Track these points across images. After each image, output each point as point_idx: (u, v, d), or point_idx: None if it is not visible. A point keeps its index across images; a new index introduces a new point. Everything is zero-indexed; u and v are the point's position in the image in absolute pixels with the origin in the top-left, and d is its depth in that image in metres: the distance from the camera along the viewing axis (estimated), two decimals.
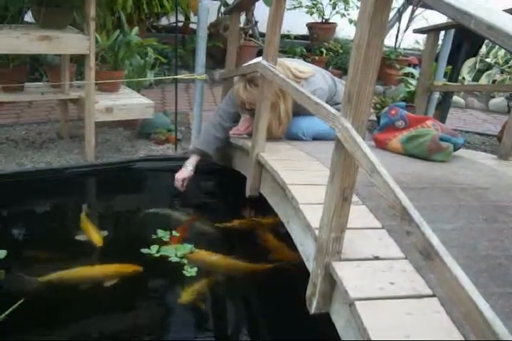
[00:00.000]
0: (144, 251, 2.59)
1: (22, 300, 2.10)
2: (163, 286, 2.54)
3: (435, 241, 1.04)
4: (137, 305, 2.38)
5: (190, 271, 2.49)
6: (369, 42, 1.37)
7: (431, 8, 1.13)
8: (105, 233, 2.77)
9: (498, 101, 5.96)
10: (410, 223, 1.12)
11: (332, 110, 1.58)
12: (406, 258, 1.67)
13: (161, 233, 2.76)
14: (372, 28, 1.35)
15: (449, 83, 4.13)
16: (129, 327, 2.21)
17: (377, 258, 1.67)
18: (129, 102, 3.66)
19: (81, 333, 2.14)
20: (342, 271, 1.57)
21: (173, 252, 2.60)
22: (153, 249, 2.61)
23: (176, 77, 3.53)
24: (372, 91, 1.45)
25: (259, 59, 2.73)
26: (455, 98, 5.70)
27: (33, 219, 2.98)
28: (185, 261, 2.56)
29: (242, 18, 6.03)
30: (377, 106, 4.64)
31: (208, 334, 2.29)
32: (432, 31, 3.84)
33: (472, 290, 0.92)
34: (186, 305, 2.32)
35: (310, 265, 1.82)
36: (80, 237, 2.71)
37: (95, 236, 2.69)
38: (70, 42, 3.15)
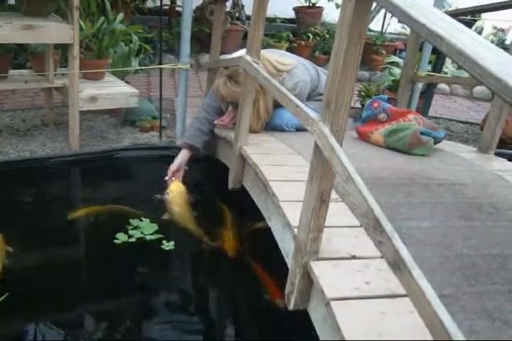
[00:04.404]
0: (118, 241, 2.64)
1: (7, 294, 2.13)
2: (148, 265, 2.64)
3: (404, 253, 1.08)
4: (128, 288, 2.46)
5: (168, 245, 2.65)
6: (347, 51, 1.39)
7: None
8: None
9: (483, 88, 6.00)
10: (382, 234, 1.15)
11: (311, 114, 1.61)
12: (382, 257, 1.71)
13: (135, 222, 2.80)
14: (350, 37, 1.37)
15: (433, 73, 4.15)
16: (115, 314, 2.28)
17: (353, 257, 1.71)
18: (114, 91, 3.65)
19: (63, 320, 2.20)
20: (319, 270, 1.61)
21: (139, 232, 2.70)
22: (122, 236, 2.66)
23: (160, 67, 3.52)
24: (351, 98, 1.47)
25: (242, 51, 2.73)
26: (440, 85, 5.74)
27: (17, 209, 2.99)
28: (159, 235, 2.69)
29: (229, 1, 5.99)
30: (362, 93, 4.66)
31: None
32: None
33: (437, 304, 0.96)
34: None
35: (289, 262, 1.86)
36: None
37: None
38: (53, 32, 3.12)
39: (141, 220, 2.81)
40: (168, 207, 2.94)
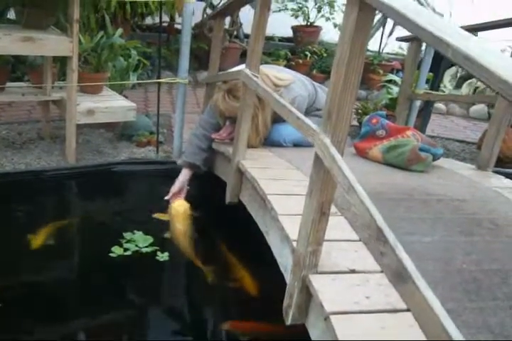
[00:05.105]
0: (113, 254, 2.62)
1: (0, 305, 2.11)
2: (143, 276, 2.64)
3: (408, 263, 1.05)
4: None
5: (162, 256, 2.66)
6: (349, 62, 1.39)
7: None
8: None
9: (479, 108, 6.03)
10: (385, 244, 1.13)
11: (312, 126, 1.59)
12: (382, 271, 1.68)
13: (128, 236, 2.78)
14: (352, 48, 1.36)
15: (431, 92, 4.17)
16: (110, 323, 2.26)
17: (353, 271, 1.68)
18: (111, 105, 3.63)
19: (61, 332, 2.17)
20: (318, 284, 1.58)
21: (134, 245, 2.70)
22: (118, 250, 2.65)
23: (158, 81, 3.52)
24: (352, 109, 1.46)
25: (242, 67, 2.73)
26: (436, 104, 5.77)
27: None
28: (154, 248, 2.70)
29: (227, 19, 6.04)
30: (359, 111, 4.67)
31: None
32: (415, 40, 3.87)
33: (443, 316, 0.94)
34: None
35: (287, 276, 1.83)
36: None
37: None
38: (52, 44, 3.12)
39: (134, 233, 2.80)
40: (171, 226, 2.91)
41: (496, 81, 0.83)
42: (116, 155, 3.73)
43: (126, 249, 2.66)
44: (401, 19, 1.12)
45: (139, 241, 2.74)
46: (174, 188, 3.11)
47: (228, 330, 2.28)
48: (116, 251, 2.63)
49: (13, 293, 2.31)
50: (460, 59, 0.92)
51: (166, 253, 2.66)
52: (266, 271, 2.38)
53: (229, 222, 2.97)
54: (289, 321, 1.71)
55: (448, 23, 1.07)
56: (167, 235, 2.86)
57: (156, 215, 3.03)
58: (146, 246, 2.70)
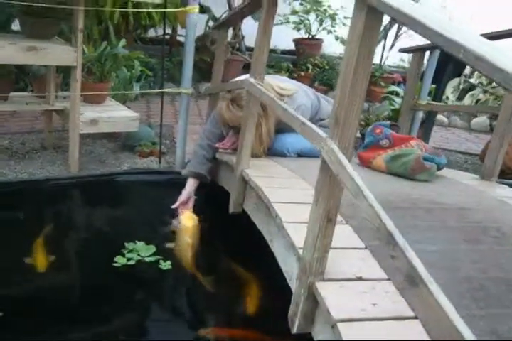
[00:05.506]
0: (117, 264, 2.61)
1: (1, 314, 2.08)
2: (148, 285, 2.64)
3: (420, 267, 1.05)
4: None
5: (165, 265, 2.65)
6: (357, 66, 1.39)
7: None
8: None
9: (481, 120, 6.04)
10: (395, 248, 1.12)
11: (319, 132, 1.59)
12: (389, 279, 1.67)
13: (130, 246, 2.77)
14: (360, 53, 1.36)
15: (433, 102, 4.17)
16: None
17: (359, 278, 1.67)
18: (114, 115, 3.64)
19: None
20: (325, 291, 1.57)
21: (136, 254, 2.69)
22: (121, 260, 2.64)
23: (162, 90, 3.53)
24: (359, 115, 1.46)
25: (246, 76, 2.73)
26: (438, 116, 5.78)
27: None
28: (157, 257, 2.69)
29: (230, 32, 6.07)
30: (362, 123, 4.67)
31: None
32: (418, 51, 3.89)
33: (457, 319, 0.93)
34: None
35: (293, 284, 1.82)
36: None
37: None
38: (56, 54, 3.13)
39: (135, 243, 2.78)
40: (179, 237, 2.89)
41: (510, 80, 0.83)
42: (118, 165, 3.73)
43: (129, 259, 2.64)
44: (410, 22, 1.12)
45: (142, 250, 2.72)
46: (182, 197, 3.10)
47: (208, 337, 2.21)
48: (120, 260, 2.61)
49: (16, 304, 2.28)
50: (472, 59, 0.92)
51: (169, 262, 2.65)
52: (269, 281, 2.41)
53: (232, 231, 2.95)
54: (294, 330, 1.69)
55: (460, 25, 1.07)
56: (169, 245, 2.84)
57: (173, 228, 2.99)
58: (149, 256, 2.68)
